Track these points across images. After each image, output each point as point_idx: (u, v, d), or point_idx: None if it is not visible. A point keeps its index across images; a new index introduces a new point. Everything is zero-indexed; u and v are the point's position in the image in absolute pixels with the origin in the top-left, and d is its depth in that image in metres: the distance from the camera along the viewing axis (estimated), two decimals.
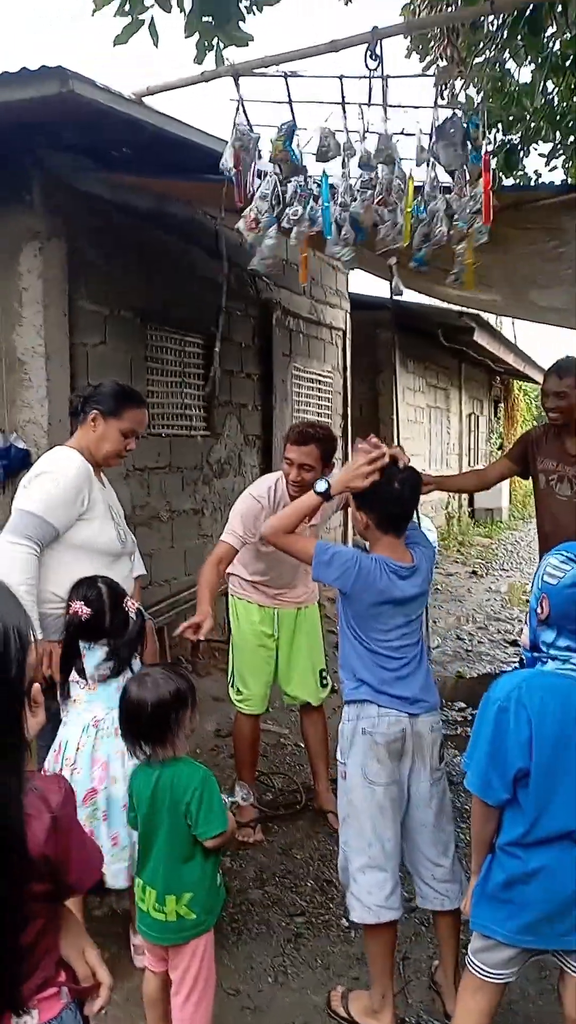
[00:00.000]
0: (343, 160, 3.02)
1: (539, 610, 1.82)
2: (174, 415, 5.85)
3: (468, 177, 2.93)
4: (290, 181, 3.08)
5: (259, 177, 3.19)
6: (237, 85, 3.19)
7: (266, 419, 7.10)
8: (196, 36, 3.79)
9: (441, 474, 4.02)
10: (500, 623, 7.85)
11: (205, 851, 2.14)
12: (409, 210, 2.93)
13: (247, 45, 3.70)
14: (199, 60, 3.80)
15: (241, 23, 3.65)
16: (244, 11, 3.69)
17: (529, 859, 1.82)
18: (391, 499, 2.36)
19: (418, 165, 3.00)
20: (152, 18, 3.70)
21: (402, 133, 3.00)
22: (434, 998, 2.51)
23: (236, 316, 6.57)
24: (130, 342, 5.15)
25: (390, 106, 2.98)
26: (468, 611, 8.40)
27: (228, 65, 3.42)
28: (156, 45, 3.74)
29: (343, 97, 3.00)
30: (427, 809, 2.41)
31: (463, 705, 5.29)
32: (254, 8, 3.67)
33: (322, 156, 3.00)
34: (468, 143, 2.92)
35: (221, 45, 3.74)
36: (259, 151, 3.16)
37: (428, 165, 3.00)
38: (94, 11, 3.65)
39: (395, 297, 3.44)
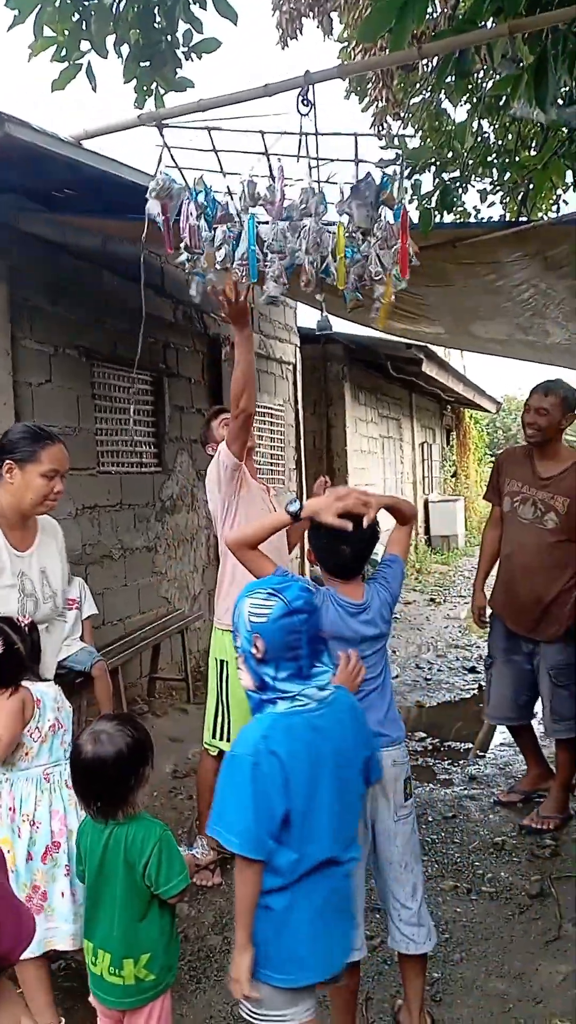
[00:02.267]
0: (265, 208, 3.08)
1: (254, 651, 1.82)
2: (124, 452, 5.82)
3: (394, 231, 3.00)
4: (216, 227, 3.13)
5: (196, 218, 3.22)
6: (161, 133, 3.23)
7: None
8: (135, 81, 3.84)
9: (475, 577, 4.05)
10: (459, 650, 7.88)
11: (161, 905, 2.07)
12: (342, 255, 2.98)
13: (184, 90, 3.76)
14: (139, 104, 3.84)
15: (178, 68, 3.70)
16: (181, 56, 3.74)
17: (292, 895, 1.80)
18: (336, 556, 2.35)
19: (339, 214, 3.06)
20: (89, 63, 3.73)
21: (327, 181, 3.06)
22: None
23: (185, 352, 6.59)
24: (76, 380, 5.13)
25: (313, 159, 3.04)
26: (427, 639, 8.42)
27: (151, 112, 3.46)
28: (94, 90, 3.76)
29: (266, 149, 3.06)
30: (392, 847, 2.36)
31: (423, 735, 5.27)
32: (191, 54, 3.73)
33: (246, 206, 3.06)
34: (380, 202, 2.98)
35: (160, 90, 3.79)
36: (185, 195, 3.19)
37: (350, 218, 3.06)
38: (30, 56, 3.67)
39: (325, 332, 3.47)
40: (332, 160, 3.19)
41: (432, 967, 2.73)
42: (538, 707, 3.94)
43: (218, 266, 3.29)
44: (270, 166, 3.08)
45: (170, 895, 2.03)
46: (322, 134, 3.13)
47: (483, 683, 6.43)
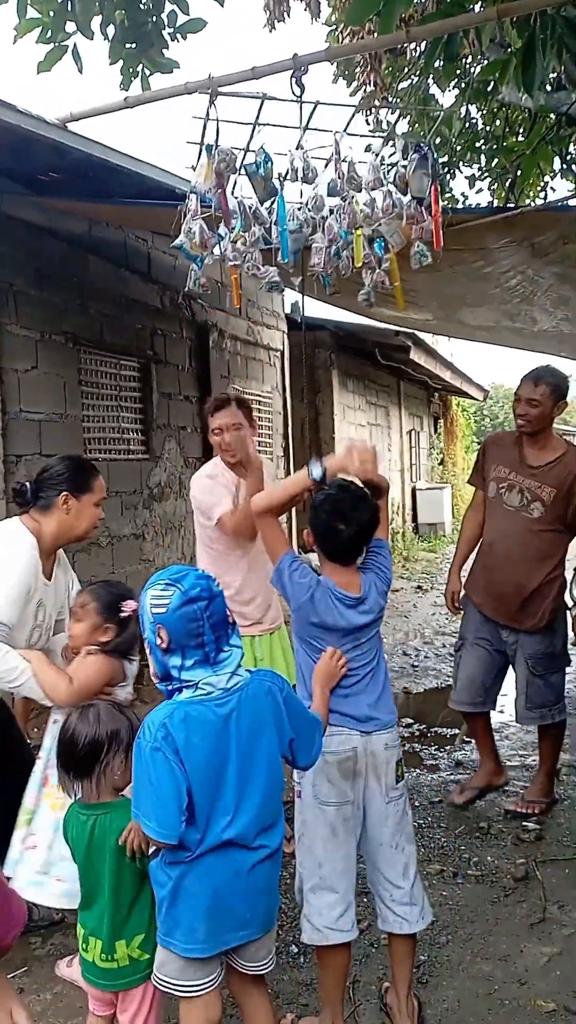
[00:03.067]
0: (308, 182, 3.10)
1: (159, 641, 1.84)
2: (111, 439, 5.79)
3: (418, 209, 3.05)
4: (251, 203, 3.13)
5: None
6: (213, 103, 3.16)
7: (206, 441, 7.07)
8: (121, 62, 3.81)
9: (452, 561, 3.94)
10: (446, 637, 7.92)
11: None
12: (359, 234, 3.00)
13: (171, 71, 3.72)
14: (125, 86, 3.81)
15: (164, 50, 3.67)
16: (168, 38, 3.70)
17: (189, 868, 1.85)
18: (336, 537, 2.35)
19: (371, 189, 3.08)
20: (75, 45, 3.69)
21: (344, 159, 3.08)
22: (384, 1021, 2.49)
23: (172, 339, 6.56)
24: (63, 366, 5.10)
25: (351, 135, 3.07)
26: (414, 626, 8.45)
27: (160, 89, 3.42)
28: (80, 71, 3.73)
29: (307, 122, 3.08)
30: (383, 828, 2.37)
31: (410, 721, 5.30)
32: (177, 35, 3.69)
33: (308, 180, 3.07)
34: (435, 176, 3.04)
35: (146, 72, 3.76)
36: (239, 170, 3.18)
37: (385, 191, 3.10)
38: (15, 38, 3.63)
39: (299, 317, 3.50)
40: (376, 136, 3.20)
41: (419, 950, 2.75)
42: (503, 697, 3.92)
43: (242, 244, 3.26)
44: (335, 143, 3.09)
45: None
46: (333, 104, 3.14)
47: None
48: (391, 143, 3.15)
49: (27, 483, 2.75)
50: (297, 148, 3.15)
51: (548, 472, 3.57)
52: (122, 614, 2.57)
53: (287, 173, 3.14)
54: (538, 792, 3.80)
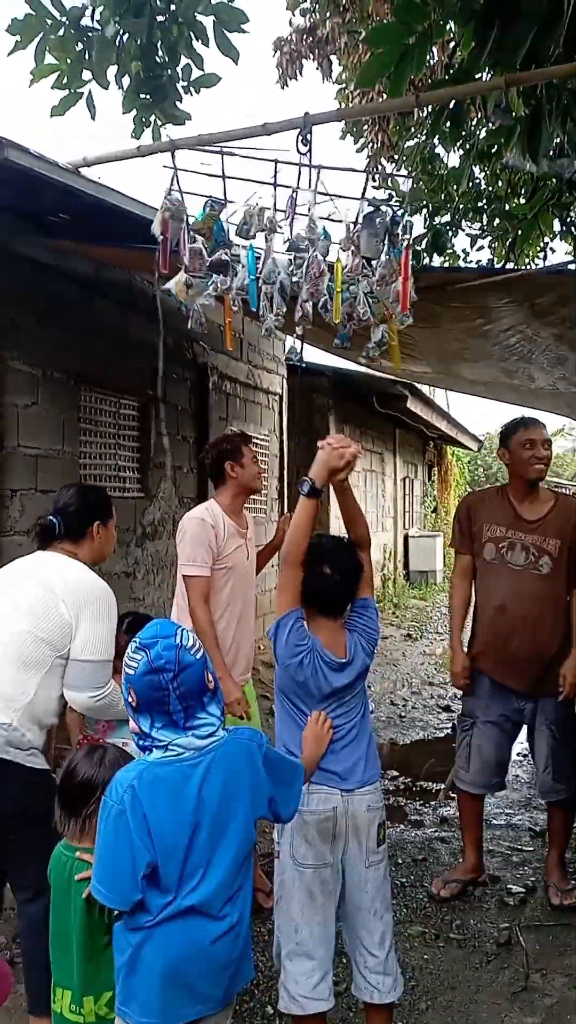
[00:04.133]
0: (266, 237, 3.11)
1: (130, 699, 1.83)
2: (108, 476, 5.80)
3: (393, 267, 3.04)
4: (214, 252, 3.15)
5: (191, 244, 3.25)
6: (173, 158, 3.26)
7: (201, 482, 7.09)
8: (134, 112, 3.89)
9: (451, 635, 3.78)
10: (434, 688, 7.86)
11: None
12: (339, 290, 3.02)
13: (183, 123, 3.80)
14: (136, 135, 3.88)
15: (178, 102, 3.75)
16: (181, 91, 3.79)
17: (148, 935, 1.79)
18: (321, 583, 2.34)
19: (343, 250, 3.10)
20: (90, 92, 3.77)
21: (328, 218, 3.10)
22: None
23: (172, 379, 6.60)
24: (63, 403, 5.12)
25: (320, 193, 3.09)
26: (403, 675, 8.40)
27: (167, 140, 3.50)
28: (93, 118, 3.80)
29: (275, 179, 3.10)
30: (363, 893, 2.33)
31: (396, 773, 5.24)
32: (191, 89, 3.77)
33: (243, 232, 3.09)
34: (388, 237, 3.04)
35: (158, 122, 3.83)
36: (188, 221, 3.21)
37: (351, 252, 3.11)
38: (31, 83, 3.70)
39: (298, 363, 3.51)
40: (338, 197, 3.24)
41: (398, 1016, 2.69)
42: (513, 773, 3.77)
43: (213, 294, 3.31)
44: (275, 194, 3.13)
45: None
46: (333, 168, 3.19)
47: (456, 722, 6.43)
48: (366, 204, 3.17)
49: (52, 518, 2.77)
50: (256, 203, 3.20)
51: (549, 524, 3.44)
52: None
53: (247, 226, 3.17)
54: (561, 877, 3.52)
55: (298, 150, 3.19)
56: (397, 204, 3.39)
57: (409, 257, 3.07)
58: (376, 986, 2.31)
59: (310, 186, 3.10)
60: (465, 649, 3.63)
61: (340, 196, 3.25)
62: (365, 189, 3.19)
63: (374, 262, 3.06)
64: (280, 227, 3.09)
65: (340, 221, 3.12)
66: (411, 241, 3.20)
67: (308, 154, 3.10)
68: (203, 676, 1.83)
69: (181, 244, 3.20)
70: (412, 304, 3.16)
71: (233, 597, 3.37)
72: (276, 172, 3.15)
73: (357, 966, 2.35)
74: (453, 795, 4.68)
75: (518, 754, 5.37)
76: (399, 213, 3.12)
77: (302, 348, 3.56)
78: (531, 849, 4.02)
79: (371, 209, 3.07)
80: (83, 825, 2.09)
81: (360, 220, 3.08)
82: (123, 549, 5.87)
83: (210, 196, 3.20)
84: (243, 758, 1.87)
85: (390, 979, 2.33)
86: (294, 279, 3.05)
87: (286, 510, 9.10)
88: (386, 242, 3.06)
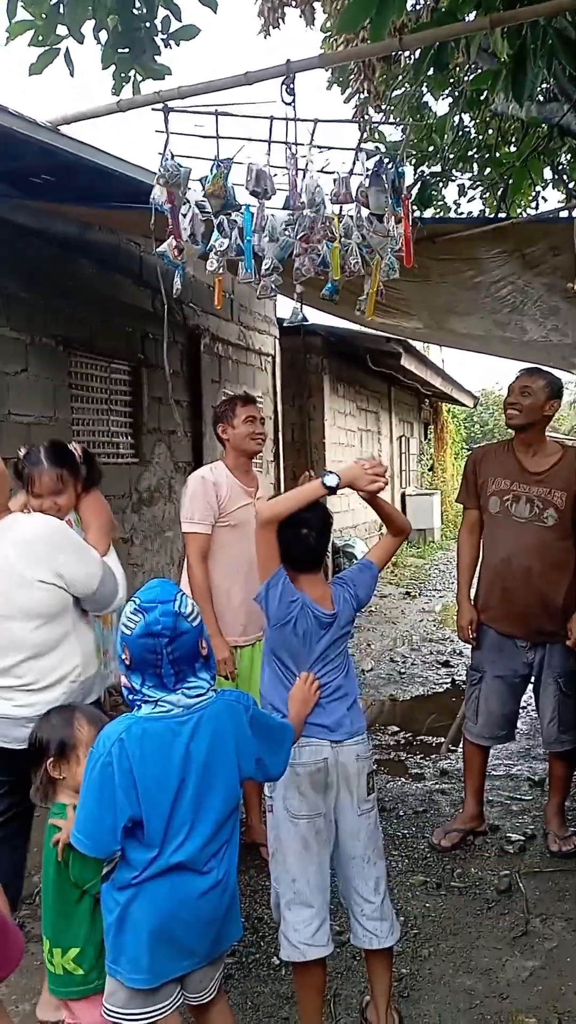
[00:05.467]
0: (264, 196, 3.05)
1: (124, 657, 1.85)
2: (101, 443, 5.77)
3: (394, 219, 3.00)
4: (219, 215, 3.09)
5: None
6: (166, 119, 3.17)
7: (196, 445, 7.07)
8: (113, 67, 3.80)
9: (458, 588, 3.73)
10: (433, 644, 7.92)
11: (95, 904, 2.06)
12: (336, 247, 2.97)
13: (163, 78, 3.72)
14: (116, 91, 3.81)
15: (156, 56, 3.66)
16: (160, 44, 3.70)
17: (136, 892, 1.82)
18: (301, 544, 2.36)
19: (334, 203, 3.05)
20: (67, 48, 3.68)
21: (322, 171, 3.04)
22: None
23: (163, 343, 6.54)
24: (53, 369, 5.08)
25: (316, 146, 3.03)
26: (402, 633, 8.45)
27: (153, 93, 3.41)
28: (72, 74, 3.72)
29: (270, 135, 3.03)
30: (355, 841, 2.37)
31: (396, 729, 5.29)
32: (171, 42, 3.68)
33: (259, 193, 3.02)
34: (394, 191, 2.99)
35: (138, 77, 3.75)
36: (188, 185, 3.14)
37: (355, 205, 3.06)
38: (7, 40, 3.61)
39: (301, 323, 3.46)
40: (334, 149, 3.17)
41: (400, 963, 2.75)
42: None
43: (213, 254, 3.26)
44: (269, 152, 3.06)
45: (85, 883, 2.05)
46: (329, 121, 3.12)
47: (456, 678, 6.48)
48: (359, 157, 3.11)
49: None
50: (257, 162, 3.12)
51: (555, 476, 3.42)
52: (77, 459, 2.83)
53: (247, 185, 3.10)
54: (560, 824, 3.57)
55: (283, 100, 3.11)
56: (393, 155, 3.31)
57: (408, 207, 3.03)
58: (374, 932, 2.36)
59: (309, 141, 3.04)
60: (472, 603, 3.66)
61: (335, 148, 3.18)
62: (360, 141, 3.12)
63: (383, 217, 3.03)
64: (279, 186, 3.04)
65: (332, 173, 3.06)
66: (409, 190, 3.15)
67: (292, 104, 3.03)
68: (197, 643, 1.85)
69: (184, 214, 3.14)
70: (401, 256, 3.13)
71: (240, 555, 3.36)
72: (271, 128, 3.09)
73: (354, 915, 2.40)
74: (454, 748, 4.75)
75: None
76: (400, 167, 3.07)
77: (301, 308, 3.52)
78: (530, 798, 4.07)
79: (377, 165, 3.02)
80: (44, 783, 2.16)
81: (367, 177, 3.02)
82: (120, 515, 5.87)
83: (216, 157, 3.11)
84: (230, 718, 1.90)
85: (386, 924, 2.38)
86: (287, 240, 3.00)
87: (281, 471, 9.08)
88: (392, 195, 3.02)
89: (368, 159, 3.13)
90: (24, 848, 2.71)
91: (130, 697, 1.87)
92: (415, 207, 3.97)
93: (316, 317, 8.74)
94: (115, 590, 2.67)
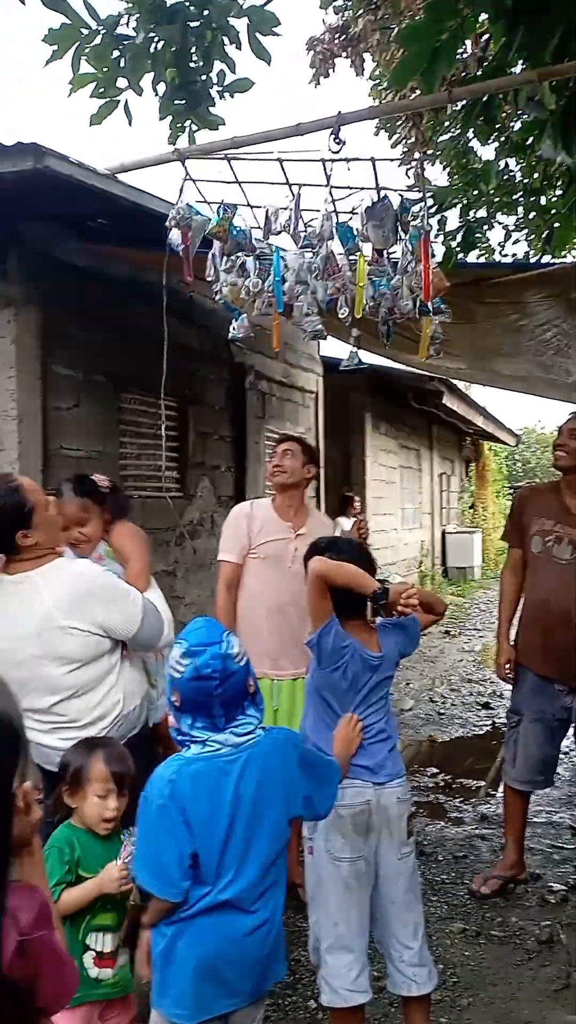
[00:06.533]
0: (293, 237, 3.18)
1: (174, 699, 1.87)
2: (147, 477, 5.88)
3: (411, 257, 3.07)
4: (237, 256, 3.23)
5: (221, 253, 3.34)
6: (184, 166, 3.39)
7: (239, 481, 7.15)
8: (170, 118, 3.93)
9: (498, 627, 3.74)
10: (473, 684, 7.83)
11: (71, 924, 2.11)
12: (361, 284, 3.04)
13: (217, 128, 3.84)
14: (172, 140, 3.93)
15: (211, 107, 3.79)
16: (216, 96, 3.83)
17: (182, 927, 1.83)
18: (347, 591, 2.38)
19: (345, 244, 3.14)
20: (126, 100, 3.83)
21: (351, 212, 3.14)
22: None
23: (210, 380, 6.66)
24: (103, 406, 5.20)
25: (335, 187, 3.14)
26: (441, 672, 8.37)
27: (174, 151, 3.57)
28: (130, 124, 3.85)
29: (286, 177, 3.17)
30: (395, 886, 2.36)
31: (435, 770, 5.23)
32: (225, 94, 3.81)
33: (267, 233, 3.15)
34: (398, 226, 3.05)
35: (194, 127, 3.88)
36: (196, 226, 3.31)
37: (365, 240, 3.16)
38: (70, 92, 3.77)
39: (357, 366, 3.52)
40: (353, 188, 3.27)
41: (439, 1011, 2.70)
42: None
43: (244, 297, 3.39)
44: (292, 193, 3.19)
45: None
46: (340, 160, 3.21)
47: (496, 720, 6.39)
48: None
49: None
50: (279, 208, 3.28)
51: None
52: (103, 489, 2.88)
53: (269, 227, 3.25)
54: None
55: (330, 149, 3.21)
56: (425, 193, 3.37)
57: (429, 244, 3.08)
58: (413, 978, 2.34)
59: (327, 182, 3.15)
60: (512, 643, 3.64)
61: (359, 188, 3.26)
62: (376, 178, 3.19)
63: (396, 252, 3.09)
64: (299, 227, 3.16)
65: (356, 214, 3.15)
66: (430, 226, 3.20)
67: (340, 152, 3.13)
68: (245, 682, 1.89)
69: (212, 256, 3.30)
70: (440, 296, 3.17)
71: (266, 588, 3.40)
72: (283, 169, 3.22)
73: (392, 960, 2.38)
74: (493, 792, 4.68)
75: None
76: (408, 199, 3.13)
77: (357, 351, 3.59)
78: (572, 847, 4.00)
79: (373, 200, 3.09)
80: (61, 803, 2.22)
81: (362, 214, 3.10)
82: (163, 548, 5.95)
83: (222, 201, 3.29)
84: (278, 757, 1.91)
85: (425, 970, 2.36)
86: (314, 276, 3.10)
87: (322, 507, 9.11)
88: (396, 232, 3.08)
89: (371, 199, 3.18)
90: None
91: (179, 738, 1.89)
92: (459, 250, 4.02)
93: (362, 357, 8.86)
94: (159, 629, 2.62)
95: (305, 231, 3.19)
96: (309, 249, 3.18)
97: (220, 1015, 1.87)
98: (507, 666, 3.59)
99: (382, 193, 3.15)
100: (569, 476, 3.52)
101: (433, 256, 3.16)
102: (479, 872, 3.67)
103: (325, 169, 3.17)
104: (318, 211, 3.28)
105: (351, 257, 3.19)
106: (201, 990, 1.82)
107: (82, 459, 4.96)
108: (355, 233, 3.22)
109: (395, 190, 3.19)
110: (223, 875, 1.82)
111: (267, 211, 3.30)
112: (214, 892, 1.82)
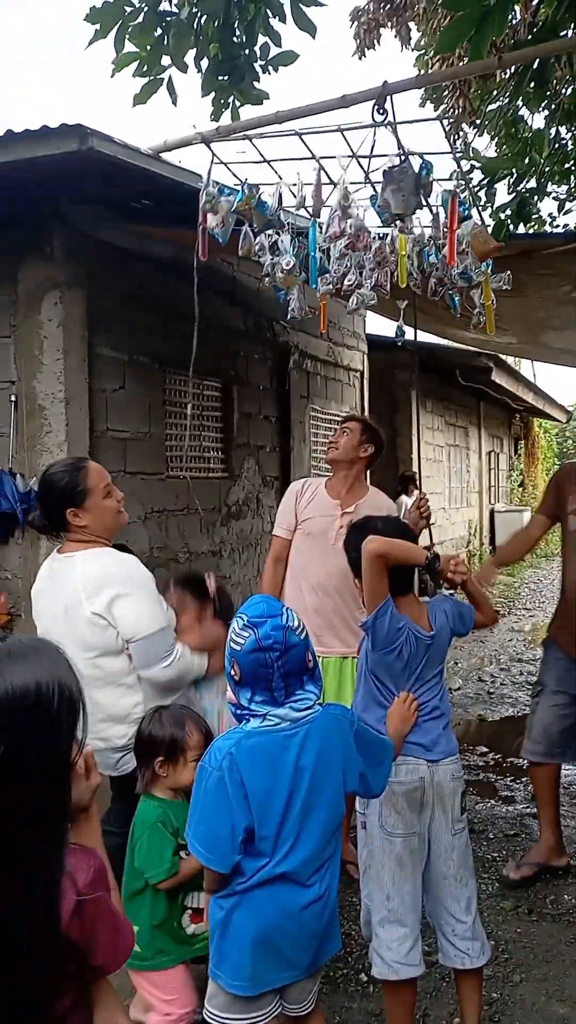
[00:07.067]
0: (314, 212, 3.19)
1: (233, 672, 1.86)
2: (192, 457, 5.90)
3: (443, 222, 3.04)
4: (268, 232, 3.23)
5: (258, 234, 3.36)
6: (211, 149, 3.41)
7: (284, 460, 7.15)
8: (213, 94, 3.91)
9: (494, 556, 3.82)
10: (523, 664, 7.75)
11: (156, 891, 2.24)
12: (403, 254, 3.00)
13: (261, 103, 3.81)
14: (215, 117, 3.92)
15: (256, 82, 3.76)
16: (259, 70, 3.79)
17: (240, 900, 1.85)
18: (397, 568, 2.37)
19: (381, 216, 3.11)
20: (170, 77, 3.81)
21: (368, 180, 3.12)
22: None
23: (254, 359, 6.65)
24: (149, 387, 5.23)
25: (361, 156, 3.11)
26: (490, 652, 8.30)
27: (196, 133, 3.55)
28: (175, 103, 3.85)
29: (312, 153, 3.14)
30: (448, 861, 2.36)
31: (485, 749, 5.20)
32: (269, 68, 3.77)
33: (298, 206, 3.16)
34: (419, 189, 2.99)
35: (237, 103, 3.85)
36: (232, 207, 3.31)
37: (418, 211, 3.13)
38: (114, 72, 3.77)
39: (402, 339, 3.49)
40: (376, 157, 3.22)
41: (491, 987, 2.70)
42: None
43: (281, 276, 3.38)
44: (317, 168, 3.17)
45: (153, 881, 2.21)
46: (354, 128, 3.16)
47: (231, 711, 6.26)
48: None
49: (36, 515, 2.70)
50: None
51: None
52: (209, 591, 2.82)
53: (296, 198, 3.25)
54: None
55: (373, 119, 3.16)
56: (463, 161, 3.32)
57: (456, 206, 3.03)
58: (466, 952, 2.34)
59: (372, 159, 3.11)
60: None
61: (373, 155, 3.21)
62: (399, 142, 3.12)
63: (415, 218, 3.07)
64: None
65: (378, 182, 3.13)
66: (486, 208, 3.15)
67: (384, 123, 3.07)
68: (305, 656, 1.88)
69: (246, 235, 3.31)
70: (490, 258, 3.12)
71: (308, 564, 3.41)
72: (306, 145, 3.20)
73: (444, 935, 2.38)
74: None
75: None
76: (424, 164, 3.07)
77: (402, 325, 3.58)
78: None
79: (393, 166, 3.03)
80: (151, 777, 2.33)
81: (383, 178, 3.06)
82: (209, 528, 5.99)
83: (245, 180, 3.29)
84: (337, 732, 1.92)
85: (478, 944, 2.36)
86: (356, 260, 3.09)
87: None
88: (418, 194, 3.02)
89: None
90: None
91: (237, 712, 1.90)
92: (511, 222, 3.94)
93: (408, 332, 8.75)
94: (163, 657, 2.51)
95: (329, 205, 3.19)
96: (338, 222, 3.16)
97: (277, 987, 1.90)
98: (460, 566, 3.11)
99: (401, 157, 3.09)
100: None
101: (469, 217, 3.11)
102: (533, 846, 3.63)
103: (346, 139, 3.15)
104: (359, 183, 3.25)
105: (386, 229, 3.17)
106: (259, 962, 1.84)
107: (128, 440, 5.01)
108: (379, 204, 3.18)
109: (422, 154, 3.11)
110: (280, 848, 1.84)
111: (287, 188, 3.31)
112: (271, 865, 1.83)
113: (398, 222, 3.02)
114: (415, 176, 3.02)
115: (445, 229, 3.10)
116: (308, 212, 3.33)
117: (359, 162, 3.24)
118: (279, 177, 3.43)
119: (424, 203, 3.11)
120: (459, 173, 3.14)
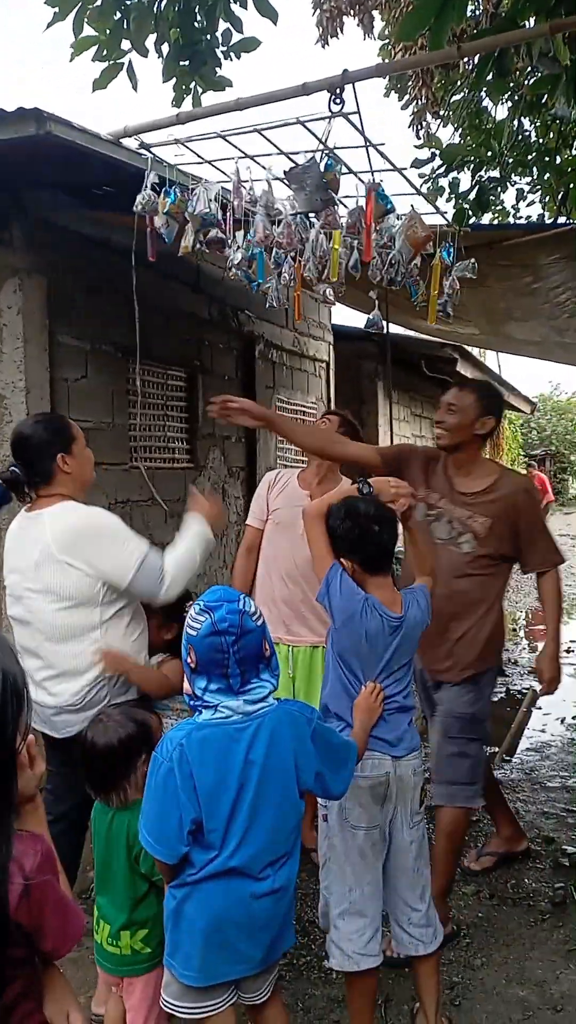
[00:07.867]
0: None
1: (189, 660, 1.86)
2: (157, 448, 5.87)
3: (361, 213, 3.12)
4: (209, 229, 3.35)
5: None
6: (149, 150, 3.43)
7: (250, 451, 7.13)
8: (174, 80, 3.87)
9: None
10: None
11: (160, 890, 2.15)
12: (335, 247, 3.05)
13: (223, 89, 3.77)
14: (177, 103, 3.87)
15: (218, 67, 3.72)
16: (221, 56, 3.76)
17: (191, 891, 1.85)
18: (370, 540, 2.36)
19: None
20: (130, 62, 3.76)
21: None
22: None
23: (219, 349, 6.62)
24: (112, 376, 5.18)
25: (289, 153, 3.14)
26: None
27: (212, 105, 3.53)
28: (135, 89, 3.80)
29: (245, 153, 3.20)
30: (407, 854, 2.38)
31: None
32: (231, 54, 3.74)
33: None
34: (325, 185, 3.05)
35: (199, 89, 3.81)
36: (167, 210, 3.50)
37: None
38: (72, 56, 3.71)
39: (372, 330, 3.50)
40: (347, 147, 3.24)
41: (452, 971, 2.74)
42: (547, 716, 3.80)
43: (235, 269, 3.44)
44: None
45: (160, 884, 2.11)
46: (313, 119, 3.17)
47: (511, 687, 6.40)
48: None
49: (13, 468, 2.64)
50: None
51: (481, 500, 2.99)
52: (184, 614, 2.68)
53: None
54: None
55: (330, 109, 3.16)
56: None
57: (372, 200, 3.06)
58: (420, 939, 2.37)
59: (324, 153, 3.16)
60: None
61: (286, 152, 3.25)
62: (328, 138, 3.17)
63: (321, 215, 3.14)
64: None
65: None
66: (449, 199, 3.19)
67: (340, 113, 3.08)
68: (261, 643, 1.87)
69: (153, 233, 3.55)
70: (422, 250, 3.17)
71: (278, 554, 3.42)
72: (236, 145, 3.26)
73: (399, 923, 2.40)
74: (508, 758, 4.69)
75: (574, 717, 5.34)
76: (329, 160, 3.13)
77: (372, 312, 3.61)
78: None
79: (292, 166, 3.10)
80: (119, 787, 2.21)
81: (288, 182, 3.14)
82: (175, 520, 5.95)
83: (175, 182, 3.49)
84: (290, 728, 1.90)
85: (431, 930, 2.39)
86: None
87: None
88: (324, 192, 3.08)
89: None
90: (80, 843, 2.76)
91: (191, 703, 1.89)
92: (471, 212, 3.95)
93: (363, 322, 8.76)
94: (155, 581, 2.57)
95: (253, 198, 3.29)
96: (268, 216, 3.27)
97: (229, 981, 1.90)
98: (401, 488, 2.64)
99: (307, 156, 3.15)
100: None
101: (392, 211, 3.17)
102: (492, 836, 3.68)
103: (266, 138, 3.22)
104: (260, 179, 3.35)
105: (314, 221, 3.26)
106: (209, 954, 1.84)
107: (91, 430, 4.95)
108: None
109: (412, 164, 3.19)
110: (230, 842, 1.83)
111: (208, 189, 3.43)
112: (222, 858, 1.83)
113: (312, 218, 3.09)
114: (318, 173, 3.05)
115: (362, 225, 3.15)
116: (249, 208, 3.39)
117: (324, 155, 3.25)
118: (223, 174, 3.47)
119: (334, 199, 3.16)
120: (336, 160, 3.20)
